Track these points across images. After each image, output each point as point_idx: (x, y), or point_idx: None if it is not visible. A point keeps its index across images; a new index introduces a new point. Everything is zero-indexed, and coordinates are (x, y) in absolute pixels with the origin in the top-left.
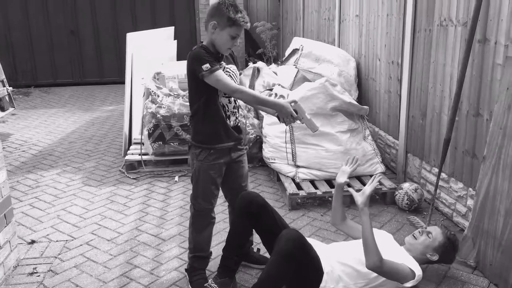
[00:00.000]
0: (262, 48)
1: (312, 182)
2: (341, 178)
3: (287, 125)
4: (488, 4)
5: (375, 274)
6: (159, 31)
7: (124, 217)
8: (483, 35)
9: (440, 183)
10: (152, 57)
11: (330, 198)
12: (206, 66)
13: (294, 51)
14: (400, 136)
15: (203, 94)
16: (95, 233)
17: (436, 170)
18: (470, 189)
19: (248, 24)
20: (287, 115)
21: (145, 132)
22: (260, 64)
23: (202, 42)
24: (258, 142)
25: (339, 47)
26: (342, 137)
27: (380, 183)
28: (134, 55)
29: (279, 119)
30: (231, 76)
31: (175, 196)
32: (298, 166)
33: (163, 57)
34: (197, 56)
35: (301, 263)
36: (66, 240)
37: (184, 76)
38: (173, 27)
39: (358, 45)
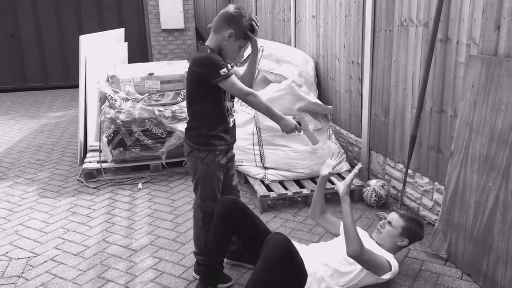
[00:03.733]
0: None
1: (281, 183)
2: (325, 170)
3: (287, 134)
4: (449, 5)
5: (356, 272)
6: (110, 33)
7: (89, 229)
8: (444, 35)
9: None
10: (105, 60)
11: (299, 198)
12: (224, 71)
13: None
14: (363, 134)
15: (208, 97)
16: (59, 247)
17: (400, 166)
18: (436, 183)
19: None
20: (289, 131)
21: (104, 139)
22: None
23: (204, 43)
24: None
25: (295, 47)
26: None
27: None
28: (88, 58)
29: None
30: None
31: (141, 204)
32: (266, 168)
33: (115, 60)
34: (213, 61)
35: (288, 267)
36: (28, 257)
37: (140, 79)
38: (123, 29)
39: (316, 45)
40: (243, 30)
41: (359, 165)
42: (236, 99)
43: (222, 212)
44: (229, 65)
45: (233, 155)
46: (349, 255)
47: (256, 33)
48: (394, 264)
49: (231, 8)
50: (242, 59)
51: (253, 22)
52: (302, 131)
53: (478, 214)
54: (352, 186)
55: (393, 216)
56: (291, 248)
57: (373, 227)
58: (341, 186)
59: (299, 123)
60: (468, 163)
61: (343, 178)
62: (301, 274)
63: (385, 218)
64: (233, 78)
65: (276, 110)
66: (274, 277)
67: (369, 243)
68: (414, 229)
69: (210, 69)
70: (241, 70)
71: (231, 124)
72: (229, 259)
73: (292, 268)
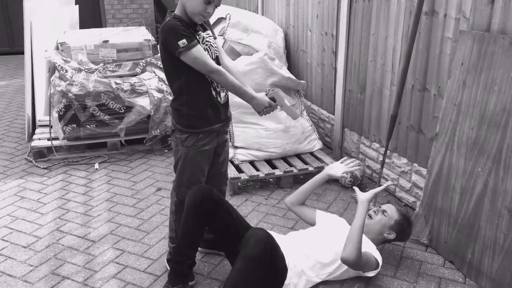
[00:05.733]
0: None
1: (251, 163)
2: (335, 170)
3: (262, 115)
4: None
5: (338, 263)
6: None
7: (40, 217)
8: (430, 8)
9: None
10: (53, 25)
11: (271, 180)
12: (183, 41)
13: (220, 19)
14: (336, 111)
15: (184, 71)
16: (6, 239)
17: (376, 145)
18: (415, 164)
19: None
20: (263, 110)
21: (55, 114)
22: None
23: (173, 11)
24: None
25: (263, 15)
26: (281, 115)
27: (321, 161)
28: (33, 23)
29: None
30: (209, 49)
31: (98, 187)
32: (236, 147)
33: (65, 25)
34: (172, 29)
35: (270, 265)
36: None
37: (94, 47)
38: None
39: (286, 14)
40: None
41: (389, 183)
42: None
43: (193, 204)
44: (193, 36)
45: (226, 140)
46: (343, 260)
47: None
48: (380, 260)
49: None
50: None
51: None
52: (278, 107)
53: (464, 200)
54: (326, 166)
55: (389, 207)
56: (273, 244)
57: (349, 210)
58: (365, 194)
59: (273, 99)
60: (455, 146)
61: (316, 158)
62: (282, 270)
63: (379, 207)
64: (196, 50)
65: (246, 89)
66: (256, 276)
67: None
68: (405, 226)
69: (168, 39)
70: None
71: (222, 102)
72: (203, 248)
73: (274, 266)
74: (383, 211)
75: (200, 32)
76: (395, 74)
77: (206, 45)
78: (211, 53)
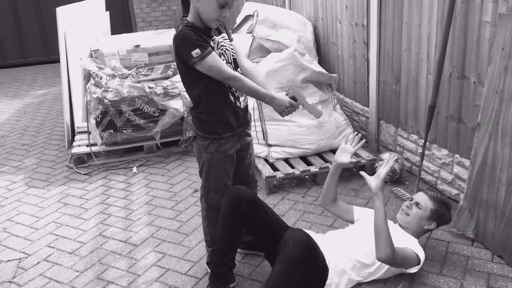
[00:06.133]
0: None
1: (286, 160)
2: (343, 158)
3: (284, 116)
4: None
5: (378, 264)
6: (90, 3)
7: (83, 222)
8: None
9: (421, 150)
10: (87, 33)
11: (307, 177)
12: (196, 51)
13: (247, 17)
14: (370, 103)
15: (200, 80)
16: (52, 245)
17: (414, 137)
18: (457, 155)
19: None
20: (284, 111)
21: (92, 121)
22: None
23: (186, 17)
24: None
25: (290, 10)
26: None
27: (357, 155)
28: (67, 32)
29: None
30: (225, 53)
31: (137, 191)
32: (270, 145)
33: (97, 32)
34: (184, 39)
35: (310, 266)
36: (20, 259)
37: (126, 52)
38: None
39: (314, 7)
40: None
41: (394, 157)
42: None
43: (229, 205)
44: (206, 44)
45: (248, 142)
46: (380, 259)
47: None
48: (422, 256)
49: None
50: (235, 25)
51: None
52: (300, 106)
53: (511, 191)
54: (363, 161)
55: (422, 197)
56: (312, 245)
57: (389, 205)
58: (373, 181)
59: (294, 98)
60: (499, 135)
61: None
62: (322, 270)
63: (411, 199)
64: (211, 58)
65: (265, 91)
66: (296, 278)
67: (392, 228)
68: (443, 212)
69: (181, 50)
70: (243, 48)
71: (242, 106)
72: (242, 249)
73: (314, 266)
74: (417, 204)
75: (214, 37)
76: (431, 62)
77: (222, 49)
78: (228, 56)
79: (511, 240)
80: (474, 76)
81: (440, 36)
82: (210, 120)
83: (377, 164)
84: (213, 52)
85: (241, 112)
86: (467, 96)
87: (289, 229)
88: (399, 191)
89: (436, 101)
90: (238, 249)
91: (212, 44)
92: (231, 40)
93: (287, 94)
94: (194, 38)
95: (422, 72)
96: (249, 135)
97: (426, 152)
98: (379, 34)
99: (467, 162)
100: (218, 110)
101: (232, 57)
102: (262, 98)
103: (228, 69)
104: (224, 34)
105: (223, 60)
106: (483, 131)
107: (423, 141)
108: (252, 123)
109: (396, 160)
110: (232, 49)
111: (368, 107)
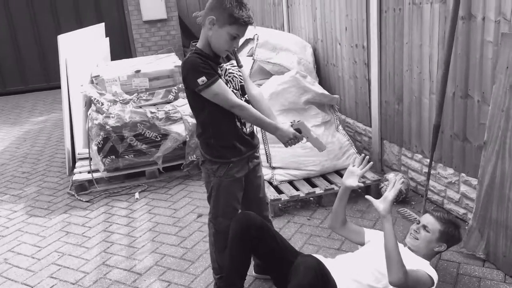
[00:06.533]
0: None
1: (290, 183)
2: (351, 181)
3: (287, 147)
4: None
5: (390, 287)
6: (90, 30)
7: (85, 251)
8: (467, 12)
9: (426, 169)
10: (87, 59)
11: (311, 199)
12: (202, 79)
13: (247, 41)
14: (373, 123)
15: (207, 106)
16: (55, 276)
17: (419, 156)
18: (463, 174)
19: (253, 23)
20: (288, 142)
21: (94, 147)
22: None
23: (195, 43)
24: None
25: (289, 32)
26: (317, 131)
27: (362, 177)
28: (68, 59)
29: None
30: (232, 80)
31: (140, 217)
32: (273, 168)
33: (97, 58)
34: (191, 67)
35: None
36: None
37: (127, 78)
38: (103, 24)
39: (313, 29)
40: (226, 13)
41: (400, 179)
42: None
43: (237, 231)
44: (213, 71)
45: (257, 165)
46: (392, 283)
47: (242, 26)
48: (435, 277)
49: None
50: (235, 49)
51: (241, 11)
52: (304, 138)
53: None
54: (368, 181)
55: (429, 219)
56: (324, 271)
57: (396, 226)
58: (380, 204)
59: (298, 130)
60: (506, 154)
61: None
62: None
63: (418, 222)
64: (217, 86)
65: (269, 121)
66: None
67: (403, 251)
68: (453, 232)
69: (188, 77)
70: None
71: (248, 130)
72: (257, 273)
73: None
74: (424, 227)
75: (222, 64)
76: (433, 82)
77: (229, 76)
78: (235, 83)
79: None
80: (478, 95)
81: (441, 56)
82: (218, 144)
83: (382, 185)
84: (219, 80)
85: (248, 137)
86: (471, 114)
87: (300, 255)
88: (406, 211)
89: (440, 120)
90: (254, 273)
91: (219, 71)
92: (240, 66)
93: (292, 125)
94: (201, 65)
95: (425, 92)
96: (257, 158)
97: (432, 172)
98: (379, 55)
99: (473, 181)
100: (225, 135)
101: (239, 84)
102: (266, 127)
103: (234, 98)
104: (233, 61)
105: (230, 87)
106: (490, 150)
107: (427, 160)
108: None
109: (402, 181)
110: (240, 75)
111: (370, 127)
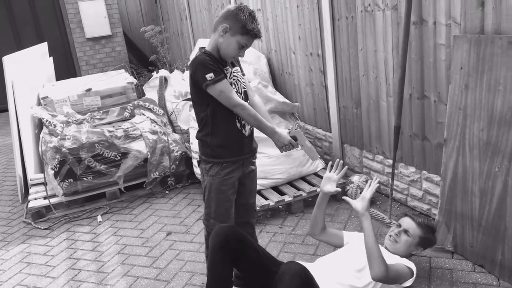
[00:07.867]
0: (155, 54)
1: (259, 192)
2: (329, 187)
3: (282, 152)
4: None
5: (373, 284)
6: (34, 50)
7: (52, 281)
8: (419, 17)
9: (388, 169)
10: (33, 80)
11: (280, 207)
12: (210, 75)
13: (201, 49)
14: (332, 128)
15: (210, 103)
16: None
17: (380, 157)
18: (425, 171)
19: (261, 37)
20: (283, 147)
21: (50, 171)
22: (164, 72)
23: (204, 47)
24: (184, 158)
25: None
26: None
27: None
28: (15, 81)
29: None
30: (236, 83)
31: (105, 241)
32: None
33: (43, 79)
34: (201, 63)
35: None
36: None
37: (77, 97)
38: (46, 43)
39: (266, 40)
40: (240, 24)
41: (376, 179)
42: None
43: (218, 245)
44: (220, 71)
45: (252, 170)
46: (375, 278)
47: (251, 38)
48: (414, 268)
49: (231, 5)
50: (189, 62)
51: (253, 25)
52: (299, 146)
53: (485, 202)
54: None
55: (410, 225)
56: (309, 277)
57: None
58: (358, 203)
59: (294, 137)
60: (466, 149)
61: (321, 178)
62: None
63: (399, 225)
64: (222, 84)
65: (268, 124)
66: None
67: (381, 249)
68: (431, 238)
69: (196, 72)
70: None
71: (247, 134)
72: (236, 286)
73: None
74: (405, 231)
75: (228, 68)
76: (389, 85)
77: (233, 79)
78: (238, 87)
79: (490, 249)
80: (434, 95)
81: (396, 60)
82: (214, 142)
83: (348, 187)
84: (225, 79)
85: (246, 139)
86: (428, 114)
87: (284, 263)
88: (373, 211)
89: (400, 122)
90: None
91: (225, 73)
92: (243, 74)
93: (289, 132)
94: (210, 63)
95: (382, 95)
96: (253, 164)
97: (394, 171)
98: (335, 62)
99: (435, 177)
100: (223, 134)
101: (243, 89)
102: (264, 129)
103: (236, 97)
104: (238, 68)
105: (234, 89)
106: (450, 147)
107: (388, 161)
108: None
109: (366, 181)
110: (243, 81)
111: (330, 132)
